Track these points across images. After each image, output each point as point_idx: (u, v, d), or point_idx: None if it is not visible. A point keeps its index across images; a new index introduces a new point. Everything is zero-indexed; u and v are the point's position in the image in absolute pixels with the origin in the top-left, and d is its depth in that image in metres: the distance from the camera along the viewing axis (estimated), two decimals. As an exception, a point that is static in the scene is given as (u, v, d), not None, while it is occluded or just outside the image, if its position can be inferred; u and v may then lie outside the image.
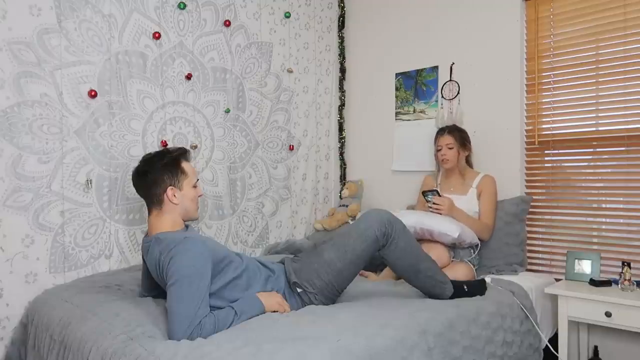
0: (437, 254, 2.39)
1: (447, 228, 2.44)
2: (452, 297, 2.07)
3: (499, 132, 2.88)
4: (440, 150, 2.78)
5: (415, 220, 2.48)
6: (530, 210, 2.80)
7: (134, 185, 1.94)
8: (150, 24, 2.52)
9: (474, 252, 2.61)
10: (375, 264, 2.45)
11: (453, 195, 2.72)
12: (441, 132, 2.80)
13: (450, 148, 2.74)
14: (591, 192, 2.67)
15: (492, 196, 2.70)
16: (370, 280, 2.49)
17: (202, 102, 2.76)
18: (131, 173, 1.96)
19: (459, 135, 2.76)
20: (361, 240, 1.96)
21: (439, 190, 2.68)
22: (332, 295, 1.98)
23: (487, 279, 2.39)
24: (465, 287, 2.14)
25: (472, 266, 2.55)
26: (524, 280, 2.49)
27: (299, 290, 1.95)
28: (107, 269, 2.37)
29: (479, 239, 2.61)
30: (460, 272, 2.43)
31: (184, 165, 1.92)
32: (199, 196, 1.98)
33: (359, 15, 3.57)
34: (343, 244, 1.98)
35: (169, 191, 1.86)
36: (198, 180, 1.99)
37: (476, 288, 2.18)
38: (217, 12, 2.82)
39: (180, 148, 1.98)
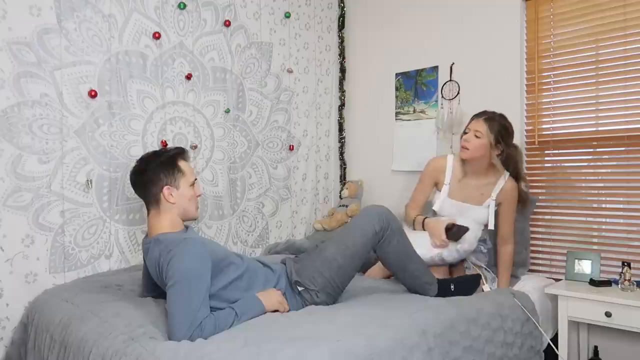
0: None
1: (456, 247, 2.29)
2: (436, 296, 2.11)
3: (499, 132, 2.88)
4: (466, 133, 2.35)
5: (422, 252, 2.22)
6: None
7: (132, 184, 1.95)
8: (150, 24, 2.52)
9: (486, 241, 2.45)
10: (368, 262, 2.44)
11: (466, 204, 2.40)
12: (478, 115, 2.38)
13: (477, 137, 2.30)
14: (591, 192, 2.67)
15: (513, 208, 2.42)
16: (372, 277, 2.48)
17: (202, 102, 2.76)
18: (129, 172, 1.97)
19: (497, 126, 2.31)
20: (361, 235, 2.00)
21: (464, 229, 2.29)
22: (334, 292, 1.98)
23: (486, 287, 2.34)
24: (452, 286, 2.16)
25: (482, 275, 2.37)
26: (524, 280, 2.49)
27: (300, 288, 1.95)
28: (107, 269, 2.37)
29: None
30: None
31: (181, 164, 1.92)
32: (198, 196, 1.98)
33: (359, 15, 3.57)
34: (343, 239, 2.01)
35: (165, 190, 1.86)
36: (196, 179, 1.99)
37: (464, 287, 2.18)
38: (217, 12, 2.82)
39: (177, 147, 2.00)
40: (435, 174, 2.49)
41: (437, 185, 2.51)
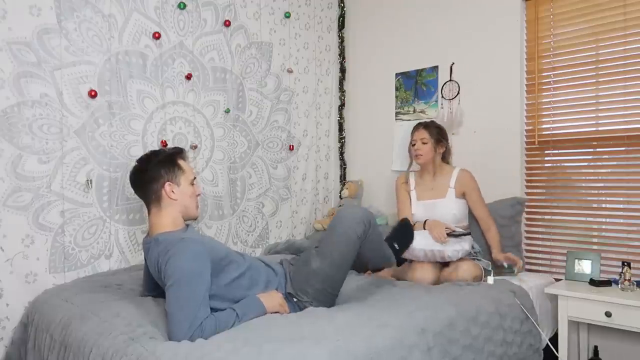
0: (423, 272, 2.42)
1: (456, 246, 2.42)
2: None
3: (499, 132, 2.88)
4: (414, 145, 2.72)
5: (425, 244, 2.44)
6: (530, 210, 2.81)
7: (132, 184, 1.95)
8: (150, 24, 2.52)
9: (473, 247, 2.55)
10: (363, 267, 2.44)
11: (431, 200, 2.67)
12: (417, 126, 2.76)
13: (424, 143, 2.68)
14: (591, 192, 2.67)
15: (479, 195, 2.65)
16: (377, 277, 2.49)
17: (202, 102, 2.76)
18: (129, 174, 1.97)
19: (435, 130, 2.70)
20: (345, 243, 1.96)
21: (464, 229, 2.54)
22: (327, 299, 1.97)
23: (490, 280, 2.38)
24: (395, 245, 2.28)
25: (476, 262, 2.46)
26: (524, 280, 2.49)
27: (294, 300, 1.95)
28: (107, 269, 2.37)
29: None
30: (461, 270, 2.37)
31: (180, 162, 1.93)
32: (198, 195, 1.98)
33: (359, 15, 3.57)
34: (328, 251, 1.96)
35: (167, 186, 1.87)
36: (195, 178, 1.99)
37: (401, 239, 2.32)
38: (217, 12, 2.82)
39: (175, 147, 2.01)
40: (405, 185, 2.84)
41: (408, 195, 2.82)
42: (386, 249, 2.21)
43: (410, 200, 2.78)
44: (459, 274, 2.37)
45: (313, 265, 1.95)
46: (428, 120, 2.87)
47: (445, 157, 2.77)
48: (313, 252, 2.00)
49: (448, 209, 2.63)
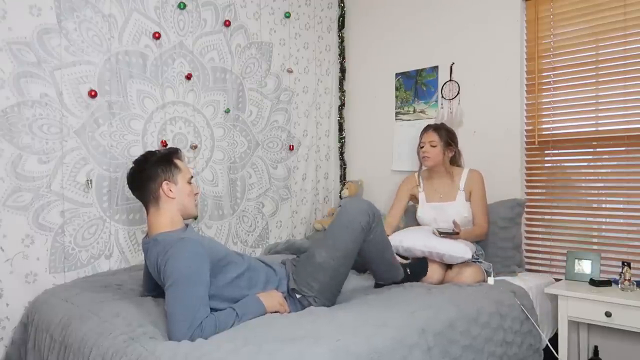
0: (431, 271, 2.40)
1: (459, 251, 2.38)
2: (402, 281, 2.23)
3: (499, 132, 2.88)
4: (422, 147, 2.70)
5: (424, 244, 2.42)
6: (530, 210, 2.81)
7: (130, 185, 1.95)
8: (150, 24, 2.52)
9: (476, 252, 2.58)
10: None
11: (440, 203, 2.67)
12: (426, 128, 2.74)
13: (433, 146, 2.66)
14: (591, 192, 2.67)
15: (482, 196, 2.62)
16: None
17: (202, 102, 2.76)
18: (126, 176, 1.98)
19: (444, 133, 2.68)
20: (348, 234, 1.98)
21: (454, 229, 2.47)
22: (331, 295, 1.98)
23: (490, 280, 2.39)
24: (408, 270, 2.29)
25: (479, 266, 2.46)
26: (524, 280, 2.49)
27: (298, 296, 1.95)
28: (107, 269, 2.37)
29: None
30: (464, 276, 2.38)
31: (177, 161, 1.94)
32: (196, 194, 1.99)
33: (359, 15, 3.57)
34: (332, 242, 1.99)
35: (165, 185, 1.87)
36: (192, 177, 2.00)
37: (417, 270, 2.34)
38: (217, 12, 2.82)
39: (171, 147, 2.02)
40: (410, 187, 2.84)
41: (415, 198, 2.82)
42: (394, 266, 2.22)
43: (419, 201, 2.76)
44: (462, 279, 2.37)
45: (318, 259, 1.96)
46: (439, 122, 2.83)
47: (456, 160, 2.76)
48: (317, 246, 2.02)
49: (459, 209, 2.62)
